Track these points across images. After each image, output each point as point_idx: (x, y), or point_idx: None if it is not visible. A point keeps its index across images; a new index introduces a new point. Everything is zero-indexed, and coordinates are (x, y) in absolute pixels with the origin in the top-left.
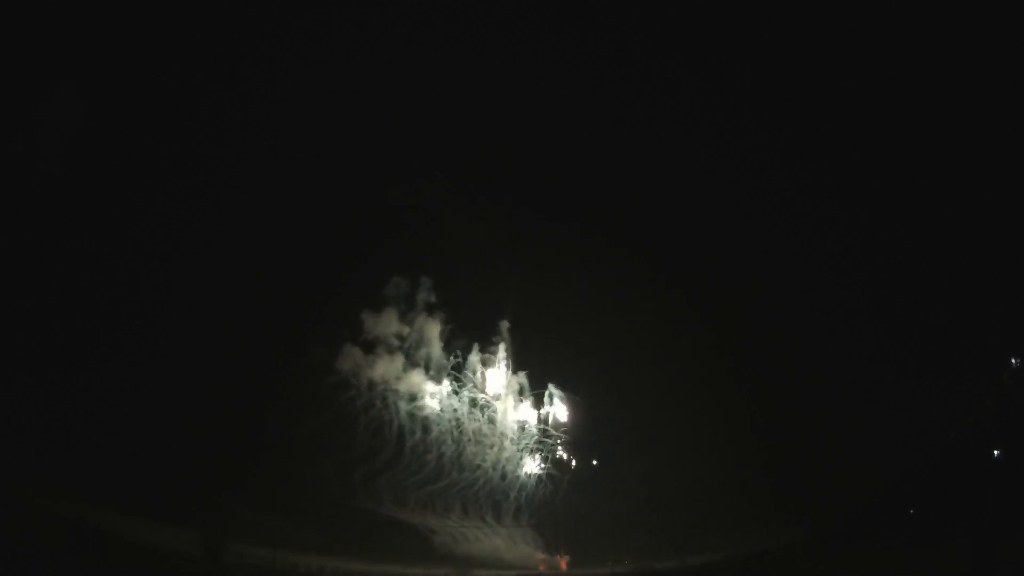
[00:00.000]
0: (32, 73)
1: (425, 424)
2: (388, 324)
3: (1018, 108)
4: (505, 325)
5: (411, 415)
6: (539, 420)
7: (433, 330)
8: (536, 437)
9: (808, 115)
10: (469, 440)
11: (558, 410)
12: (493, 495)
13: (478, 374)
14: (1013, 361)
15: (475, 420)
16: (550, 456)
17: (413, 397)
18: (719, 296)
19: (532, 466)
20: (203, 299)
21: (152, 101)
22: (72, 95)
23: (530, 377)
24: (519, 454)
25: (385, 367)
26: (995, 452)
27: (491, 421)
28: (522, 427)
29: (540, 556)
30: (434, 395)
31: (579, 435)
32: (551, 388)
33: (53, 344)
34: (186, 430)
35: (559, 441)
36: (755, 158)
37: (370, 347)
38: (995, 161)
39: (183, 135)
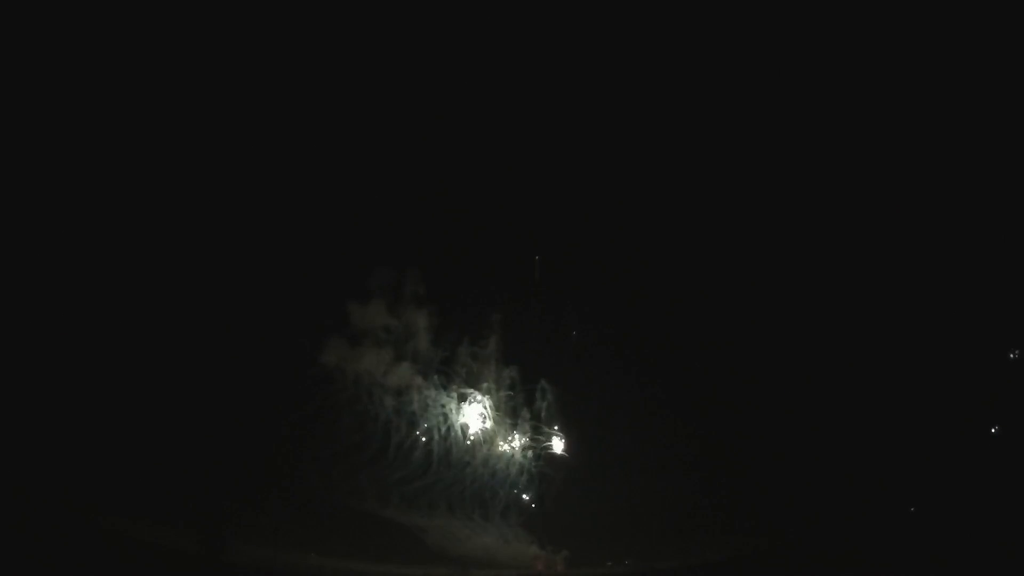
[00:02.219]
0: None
1: (412, 420)
2: (374, 316)
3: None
4: (497, 318)
5: (397, 410)
6: (531, 415)
7: (421, 322)
8: (528, 433)
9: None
10: (457, 436)
11: (551, 405)
12: (483, 493)
13: (468, 368)
14: (1012, 356)
15: (464, 415)
16: (542, 453)
17: (400, 392)
18: (717, 292)
19: (523, 463)
20: (185, 291)
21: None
22: None
23: (522, 371)
24: (510, 451)
25: (371, 360)
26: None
27: (481, 417)
28: (513, 423)
29: (538, 555)
30: (421, 389)
31: (573, 431)
32: (544, 383)
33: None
34: (181, 428)
35: (552, 437)
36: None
37: (355, 339)
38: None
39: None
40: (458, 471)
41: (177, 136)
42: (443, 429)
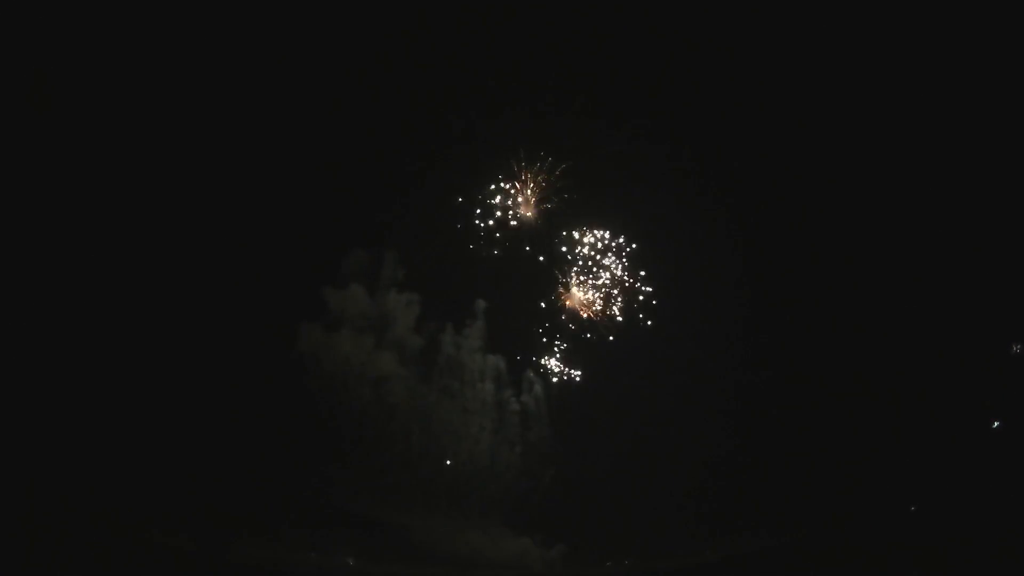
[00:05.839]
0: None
1: (392, 412)
2: (352, 302)
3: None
4: (481, 305)
5: (377, 402)
6: (520, 408)
7: (401, 309)
8: (516, 427)
9: None
10: (441, 430)
11: (540, 398)
12: (469, 489)
13: (451, 358)
14: (1014, 349)
15: (447, 408)
16: (532, 448)
17: (379, 383)
18: (715, 287)
19: (512, 458)
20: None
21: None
22: None
23: (509, 361)
24: (497, 445)
25: (348, 349)
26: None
27: (465, 409)
28: (500, 416)
29: (534, 554)
30: (402, 380)
31: (564, 425)
32: (532, 374)
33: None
34: (178, 427)
35: (541, 431)
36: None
37: (332, 327)
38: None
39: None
40: (442, 466)
41: (143, 125)
42: (425, 422)
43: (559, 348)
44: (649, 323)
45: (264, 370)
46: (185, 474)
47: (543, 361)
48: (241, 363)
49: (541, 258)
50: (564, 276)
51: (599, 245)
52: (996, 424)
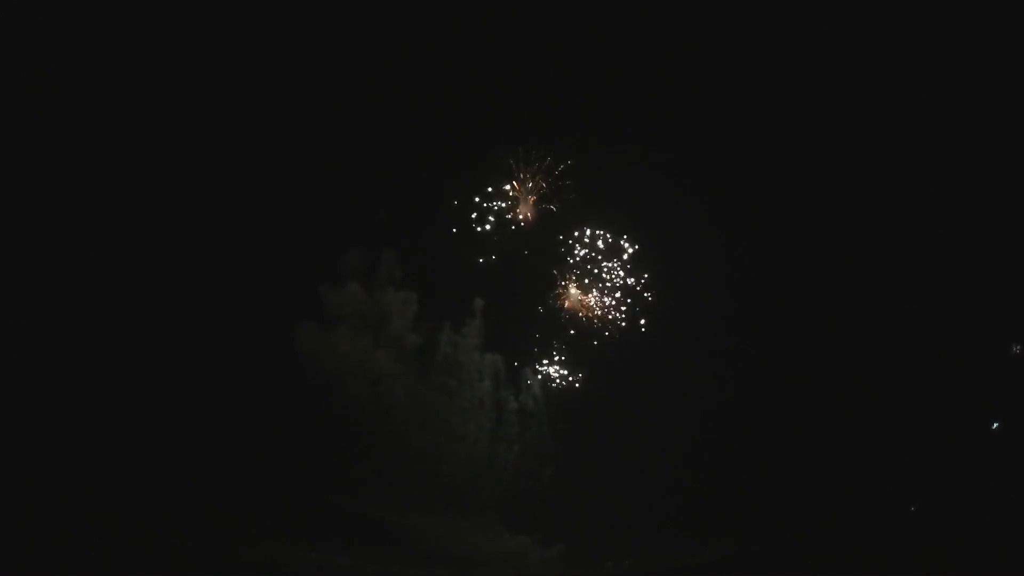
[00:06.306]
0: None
1: (391, 412)
2: (351, 300)
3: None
4: (480, 303)
5: (376, 402)
6: (518, 407)
7: (398, 308)
8: (514, 426)
9: None
10: (440, 429)
11: (539, 397)
12: (467, 489)
13: (449, 357)
14: (1014, 350)
15: (446, 407)
16: (531, 447)
17: (375, 382)
18: (716, 290)
19: (510, 457)
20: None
21: None
22: None
23: (507, 360)
24: (495, 445)
25: (347, 348)
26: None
27: (464, 408)
28: (498, 415)
29: (533, 554)
30: (401, 379)
31: (563, 425)
32: (530, 373)
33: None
34: (177, 426)
35: (540, 431)
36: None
37: (328, 325)
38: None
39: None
40: (440, 466)
41: (142, 124)
42: (423, 421)
43: (558, 348)
44: (648, 323)
45: (263, 370)
46: (185, 474)
47: (542, 361)
48: (240, 363)
49: (540, 258)
50: (563, 276)
51: (599, 245)
52: (996, 424)
